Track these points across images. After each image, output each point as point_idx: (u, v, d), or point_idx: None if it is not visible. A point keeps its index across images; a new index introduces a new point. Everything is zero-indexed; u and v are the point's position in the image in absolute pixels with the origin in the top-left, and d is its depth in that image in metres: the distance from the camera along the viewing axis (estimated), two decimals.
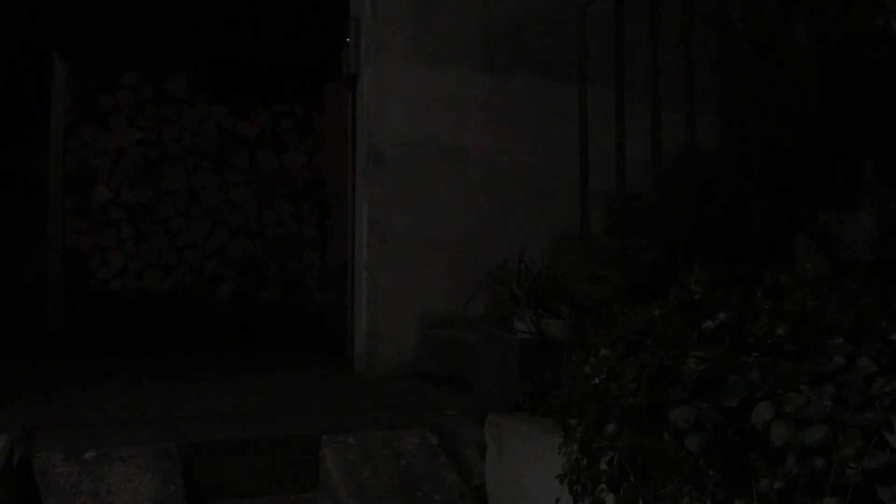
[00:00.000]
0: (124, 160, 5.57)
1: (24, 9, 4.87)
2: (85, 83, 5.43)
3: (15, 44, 4.91)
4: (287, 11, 5.16)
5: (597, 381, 1.93)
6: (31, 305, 5.04)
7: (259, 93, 5.75)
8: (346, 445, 2.45)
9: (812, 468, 1.40)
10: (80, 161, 5.44)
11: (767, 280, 2.09)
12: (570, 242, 3.20)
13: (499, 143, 3.67)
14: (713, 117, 2.99)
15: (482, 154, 3.67)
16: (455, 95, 3.63)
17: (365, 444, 2.42)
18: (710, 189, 2.93)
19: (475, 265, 3.26)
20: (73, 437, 2.43)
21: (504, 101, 3.69)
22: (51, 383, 3.46)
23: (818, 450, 1.41)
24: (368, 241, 3.51)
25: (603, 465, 1.82)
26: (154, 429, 2.57)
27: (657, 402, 1.71)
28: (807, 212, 2.99)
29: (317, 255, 5.82)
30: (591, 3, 2.97)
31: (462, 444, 2.50)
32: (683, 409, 1.63)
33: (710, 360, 1.69)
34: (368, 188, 3.53)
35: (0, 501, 2.08)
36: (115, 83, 5.57)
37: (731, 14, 2.92)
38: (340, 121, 4.35)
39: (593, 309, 2.43)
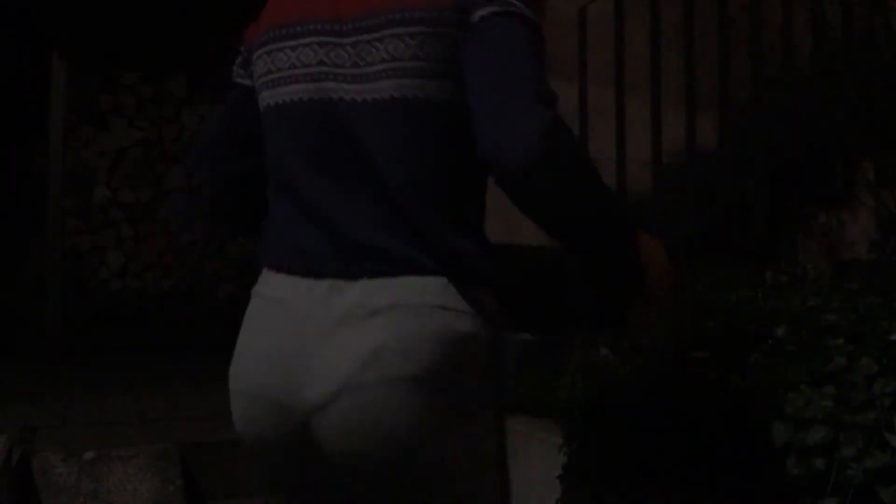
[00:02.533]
0: (124, 160, 5.57)
1: (24, 9, 4.87)
2: (85, 83, 5.43)
3: (15, 44, 4.91)
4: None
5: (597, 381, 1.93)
6: (31, 306, 5.03)
7: None
8: None
9: (813, 468, 1.40)
10: (80, 161, 5.44)
11: (768, 280, 2.09)
12: None
13: None
14: (714, 117, 2.99)
15: None
16: None
17: None
18: (711, 189, 2.93)
19: None
20: (73, 436, 2.43)
21: None
22: (50, 384, 3.45)
23: (819, 450, 1.41)
24: None
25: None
26: (154, 429, 2.57)
27: (659, 402, 1.71)
28: (807, 212, 2.99)
29: None
30: (592, 2, 2.97)
31: None
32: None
33: (710, 360, 1.69)
34: None
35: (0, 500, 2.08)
36: (115, 83, 5.56)
37: (731, 14, 2.92)
38: None
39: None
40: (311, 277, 1.11)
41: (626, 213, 1.14)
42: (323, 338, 1.08)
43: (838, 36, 2.92)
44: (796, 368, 1.55)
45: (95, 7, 4.99)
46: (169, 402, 2.99)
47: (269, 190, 1.21)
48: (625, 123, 2.89)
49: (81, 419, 2.69)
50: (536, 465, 2.09)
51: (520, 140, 1.00)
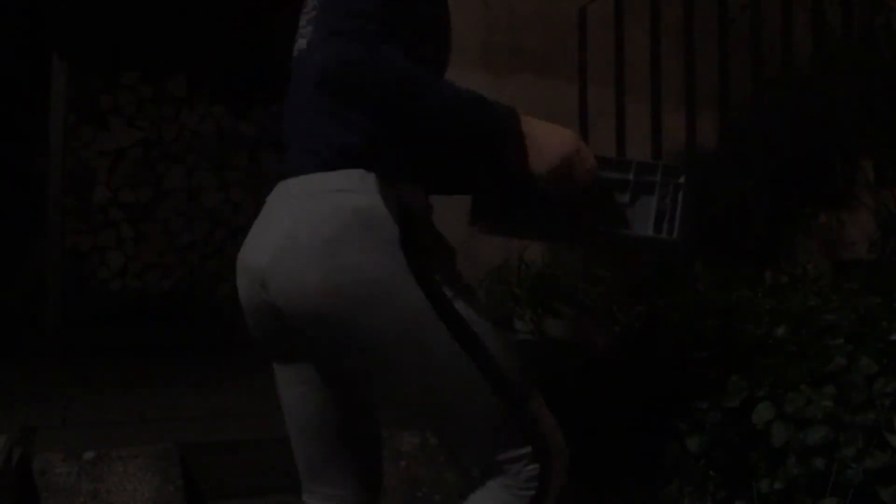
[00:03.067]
0: (124, 160, 5.57)
1: (24, 9, 4.87)
2: (85, 83, 5.43)
3: (15, 44, 4.92)
4: (288, 11, 5.15)
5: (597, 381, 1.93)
6: (31, 305, 5.03)
7: (259, 93, 5.75)
8: None
9: (813, 468, 1.40)
10: (80, 161, 5.44)
11: (768, 280, 2.09)
12: None
13: None
14: (714, 117, 2.99)
15: None
16: None
17: None
18: (711, 189, 2.93)
19: (475, 265, 3.26)
20: (73, 437, 2.43)
21: (503, 100, 3.68)
22: (50, 383, 3.45)
23: (819, 450, 1.41)
24: None
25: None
26: (154, 429, 2.57)
27: (658, 403, 1.71)
28: (807, 212, 2.99)
29: None
30: (592, 2, 2.97)
31: None
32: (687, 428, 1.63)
33: (710, 360, 1.69)
34: None
35: None
36: (115, 83, 5.57)
37: (731, 14, 2.92)
38: None
39: (593, 309, 2.43)
40: (282, 178, 1.44)
41: (471, 99, 1.35)
42: (270, 220, 1.41)
43: (838, 36, 2.92)
44: (796, 368, 1.55)
45: (95, 7, 4.99)
46: (169, 402, 2.98)
47: None
48: (625, 123, 2.89)
49: (81, 419, 2.68)
50: None
51: (321, 61, 1.32)
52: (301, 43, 1.49)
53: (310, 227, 1.32)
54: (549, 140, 1.33)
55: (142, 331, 5.21)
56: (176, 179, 5.67)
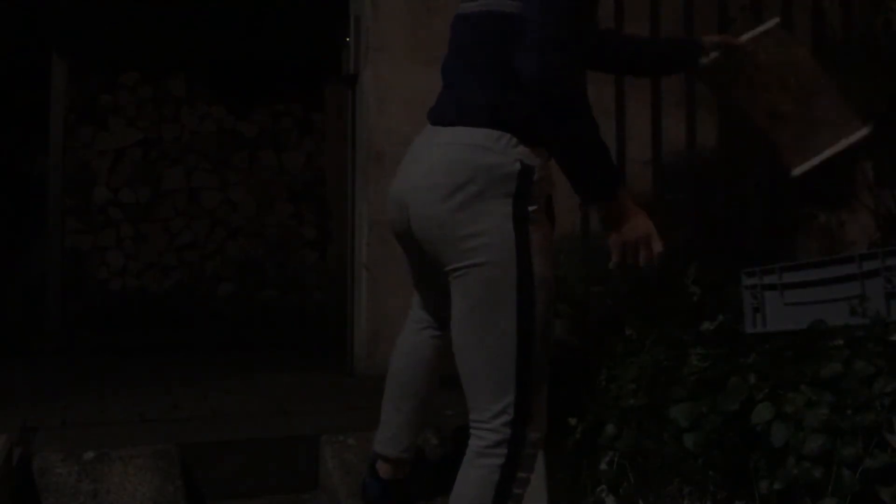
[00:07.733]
0: (124, 160, 5.57)
1: (24, 9, 4.87)
2: (85, 83, 5.43)
3: (15, 44, 4.92)
4: (287, 11, 5.16)
5: (595, 381, 1.93)
6: (31, 305, 5.04)
7: (259, 93, 5.76)
8: (346, 446, 2.44)
9: (811, 477, 1.40)
10: (80, 161, 5.45)
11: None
12: (570, 242, 3.20)
13: None
14: (714, 117, 2.99)
15: None
16: None
17: (365, 444, 2.42)
18: (710, 189, 2.93)
19: None
20: (73, 437, 2.43)
21: None
22: (50, 383, 3.45)
23: (817, 458, 1.41)
24: (368, 241, 3.51)
25: (603, 466, 1.82)
26: (154, 429, 2.57)
27: (657, 403, 1.71)
28: (807, 212, 2.99)
29: (316, 256, 5.82)
30: None
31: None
32: (684, 406, 1.63)
33: (710, 355, 1.69)
34: (368, 188, 3.53)
35: None
36: (115, 83, 5.57)
37: (731, 14, 2.92)
38: (340, 121, 4.35)
39: (593, 309, 2.43)
40: (432, 125, 1.77)
41: (610, 161, 1.62)
42: (416, 158, 1.74)
43: (838, 36, 2.92)
44: (796, 369, 1.55)
45: (95, 7, 4.99)
46: (169, 402, 2.98)
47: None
48: (625, 123, 2.89)
49: (81, 419, 2.68)
50: (536, 465, 2.09)
51: (522, 72, 1.55)
52: (467, 7, 1.75)
53: (446, 171, 1.64)
54: (636, 215, 1.62)
55: (141, 331, 5.21)
56: (176, 179, 5.67)
